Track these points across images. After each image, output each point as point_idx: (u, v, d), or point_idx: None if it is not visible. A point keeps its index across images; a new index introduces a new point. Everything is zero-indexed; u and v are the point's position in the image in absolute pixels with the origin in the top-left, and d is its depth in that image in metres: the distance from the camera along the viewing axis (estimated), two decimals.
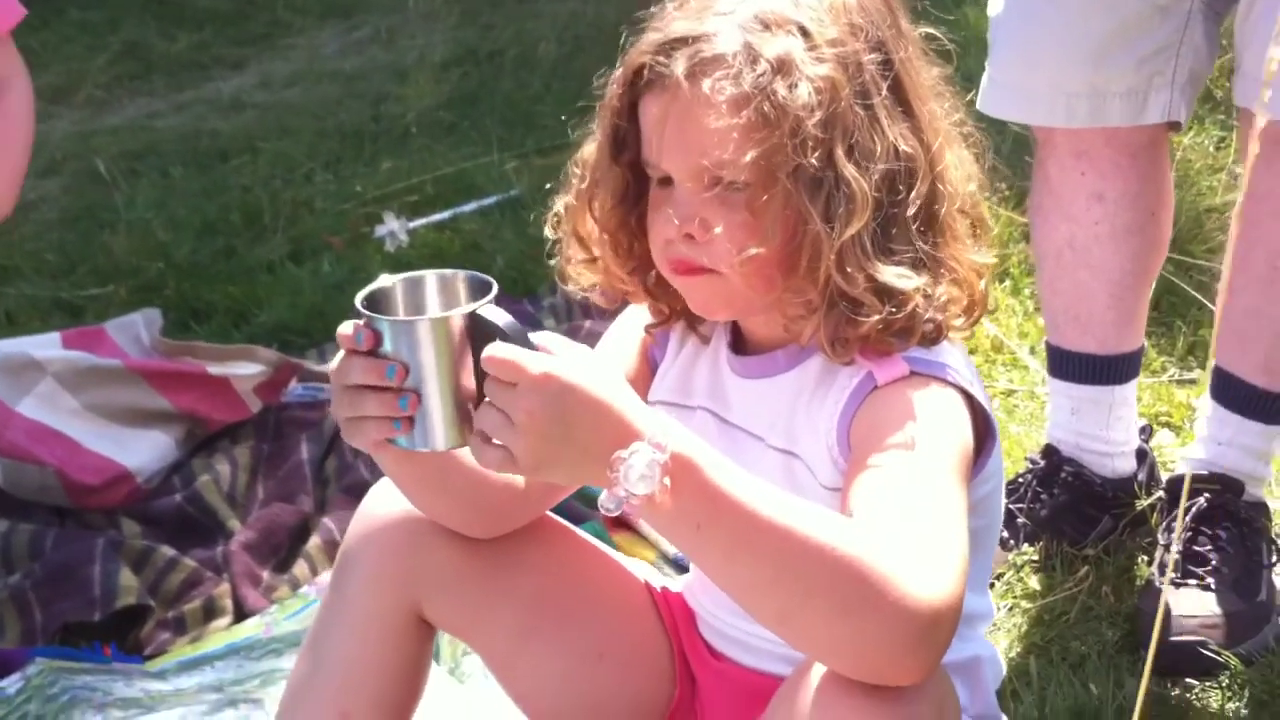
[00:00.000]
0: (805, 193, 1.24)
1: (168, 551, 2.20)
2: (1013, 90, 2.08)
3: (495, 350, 1.11)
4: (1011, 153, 2.63)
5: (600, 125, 1.37)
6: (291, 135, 4.63)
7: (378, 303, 1.18)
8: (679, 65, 1.26)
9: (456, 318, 1.13)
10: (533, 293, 3.26)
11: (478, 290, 1.20)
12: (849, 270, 1.25)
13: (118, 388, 2.47)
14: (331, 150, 4.42)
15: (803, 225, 1.25)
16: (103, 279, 3.48)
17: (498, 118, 4.60)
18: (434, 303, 1.23)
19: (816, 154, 1.24)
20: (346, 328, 1.19)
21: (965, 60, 3.92)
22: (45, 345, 2.56)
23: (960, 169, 1.36)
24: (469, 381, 1.13)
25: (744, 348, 1.44)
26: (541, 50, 5.19)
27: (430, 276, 1.23)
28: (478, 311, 1.12)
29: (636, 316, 1.52)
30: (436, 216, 3.68)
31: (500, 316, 1.12)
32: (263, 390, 2.59)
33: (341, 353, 1.20)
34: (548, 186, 3.36)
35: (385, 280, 1.21)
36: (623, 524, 2.14)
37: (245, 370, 2.56)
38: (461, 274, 1.23)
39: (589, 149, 1.41)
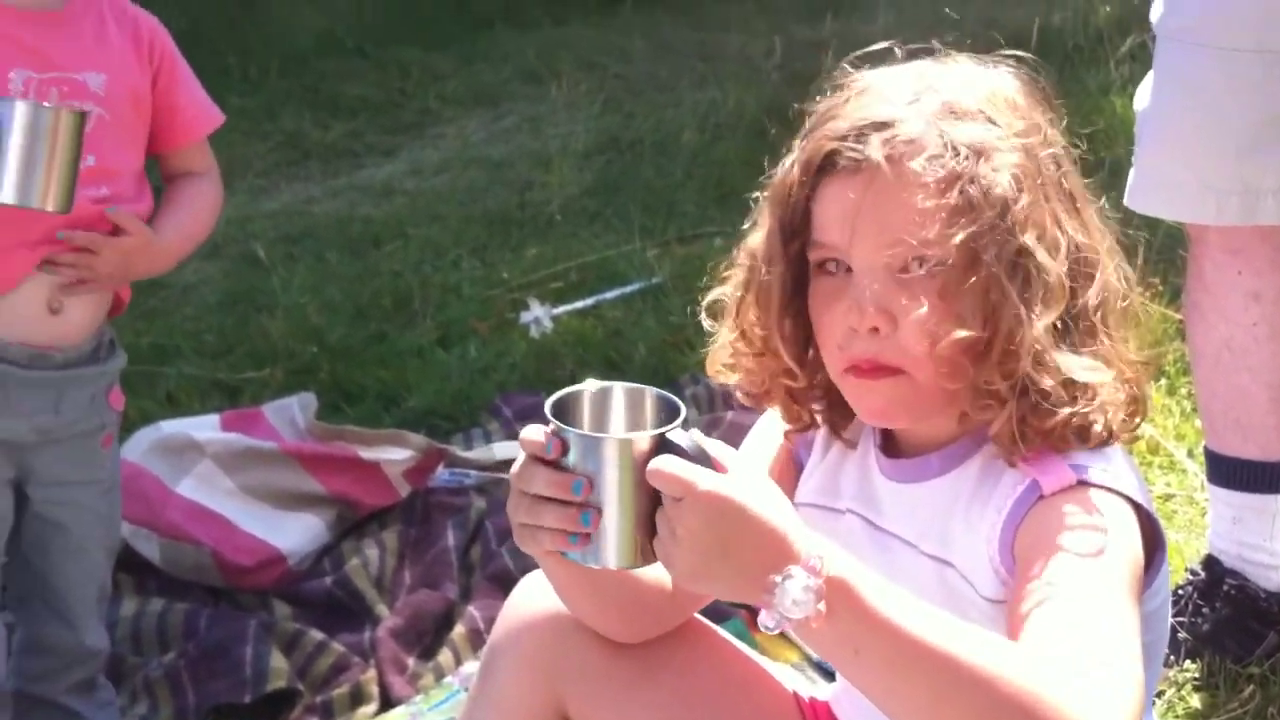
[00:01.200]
0: (1007, 277, 1.23)
1: (317, 635, 2.24)
2: (1161, 186, 2.03)
3: (664, 464, 1.11)
4: (1164, 246, 2.57)
5: (770, 212, 1.37)
6: (440, 221, 4.76)
7: (565, 408, 1.20)
8: (875, 149, 1.26)
9: (644, 439, 1.14)
10: (673, 380, 3.27)
11: (665, 409, 1.21)
12: (1044, 361, 1.23)
13: (273, 470, 2.55)
14: (478, 236, 4.53)
15: (1001, 312, 1.24)
16: (259, 361, 3.59)
17: (639, 205, 4.67)
18: (620, 416, 1.24)
19: (1018, 239, 1.24)
20: (534, 434, 1.17)
21: (1112, 148, 3.88)
22: (205, 427, 2.65)
23: (1117, 264, 1.35)
24: (646, 500, 1.14)
25: (895, 449, 1.42)
26: (683, 139, 5.27)
27: (618, 389, 1.25)
28: (667, 436, 1.14)
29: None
30: (580, 303, 3.74)
31: (688, 442, 1.13)
32: (411, 475, 2.65)
33: (524, 456, 1.19)
34: (689, 274, 3.39)
35: (574, 387, 1.23)
36: None
37: (395, 455, 2.62)
38: (650, 391, 1.25)
39: (755, 238, 1.40)
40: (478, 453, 2.83)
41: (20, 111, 1.61)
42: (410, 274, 4.17)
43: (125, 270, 1.86)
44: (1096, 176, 1.43)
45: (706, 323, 1.47)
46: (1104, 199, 1.41)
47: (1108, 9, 5.88)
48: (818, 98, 1.41)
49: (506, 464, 2.81)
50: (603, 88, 6.37)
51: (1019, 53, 1.40)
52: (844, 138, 1.29)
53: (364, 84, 6.68)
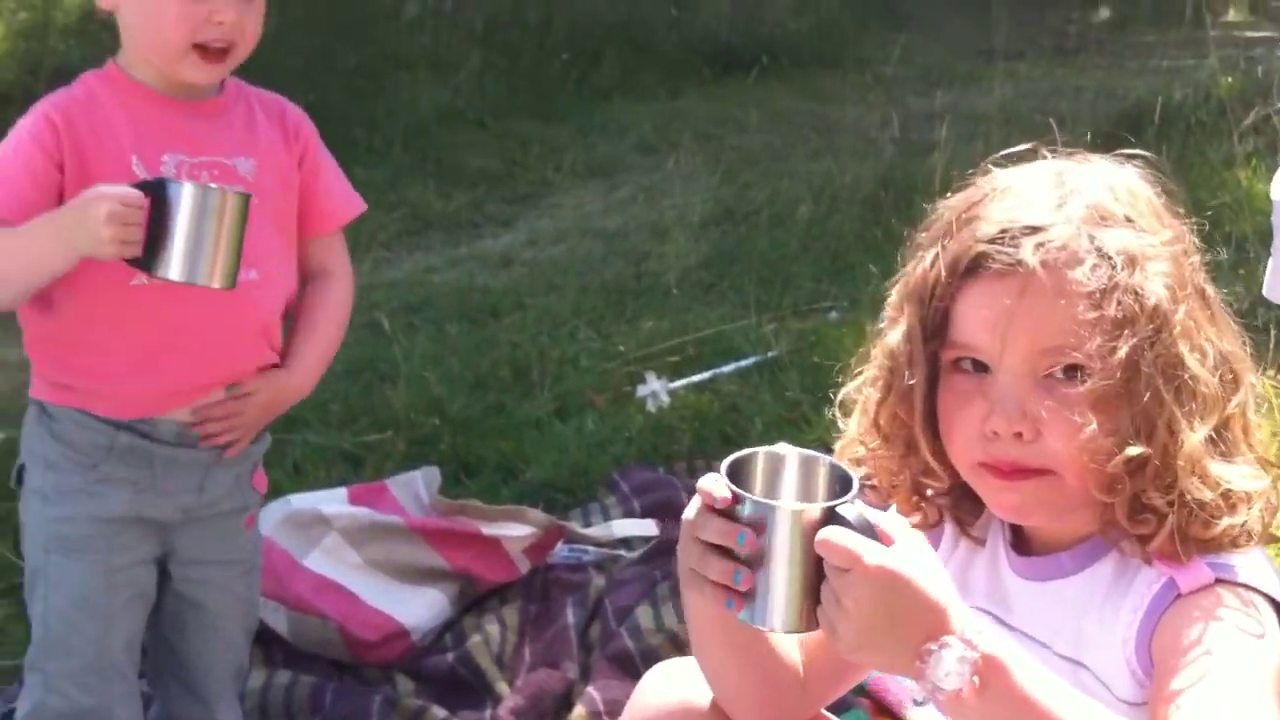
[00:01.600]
0: (1166, 390, 1.23)
1: (439, 712, 2.27)
2: None
3: (833, 536, 1.13)
4: None
5: (910, 311, 1.35)
6: (557, 292, 4.82)
7: (739, 470, 1.23)
8: (1028, 254, 1.25)
9: (815, 510, 1.17)
10: None
11: (837, 480, 1.23)
12: (1202, 472, 1.22)
13: (398, 544, 2.59)
14: (595, 307, 4.57)
15: (1159, 425, 1.23)
16: (382, 430, 3.65)
17: (754, 277, 4.68)
18: (792, 483, 1.27)
19: (1174, 351, 1.23)
20: (712, 483, 1.20)
21: (1237, 222, 3.81)
22: (333, 501, 2.70)
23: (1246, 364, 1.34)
24: (813, 568, 1.16)
25: (1024, 546, 1.41)
26: (798, 211, 5.28)
27: (793, 455, 1.27)
28: (837, 510, 1.16)
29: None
30: (696, 377, 3.75)
31: (855, 515, 1.15)
32: (531, 551, 2.67)
33: (698, 503, 1.21)
34: (805, 348, 3.37)
35: (749, 450, 1.26)
36: (885, 713, 2.10)
37: (516, 531, 2.65)
38: (824, 460, 1.27)
39: (893, 336, 1.40)
40: (597, 530, 2.85)
41: (189, 193, 1.68)
42: (528, 345, 4.22)
43: (268, 416, 1.93)
44: (1222, 251, 1.42)
45: (840, 423, 1.47)
46: (1223, 277, 1.39)
47: (1229, 81, 5.79)
48: (949, 194, 1.41)
49: (625, 541, 2.83)
50: (718, 159, 6.43)
51: (1144, 152, 1.39)
52: (993, 240, 1.28)
53: (484, 155, 6.83)
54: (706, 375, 3.77)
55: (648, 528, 2.84)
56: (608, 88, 7.76)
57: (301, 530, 2.55)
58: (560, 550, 2.77)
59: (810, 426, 3.50)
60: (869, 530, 1.14)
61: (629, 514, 2.98)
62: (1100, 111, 6.24)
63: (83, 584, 1.83)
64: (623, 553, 2.81)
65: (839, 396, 1.49)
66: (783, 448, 1.28)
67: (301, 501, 2.64)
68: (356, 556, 2.56)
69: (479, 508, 2.75)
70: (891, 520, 1.17)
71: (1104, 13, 9.75)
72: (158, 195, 1.67)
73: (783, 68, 8.07)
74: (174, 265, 1.68)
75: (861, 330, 3.99)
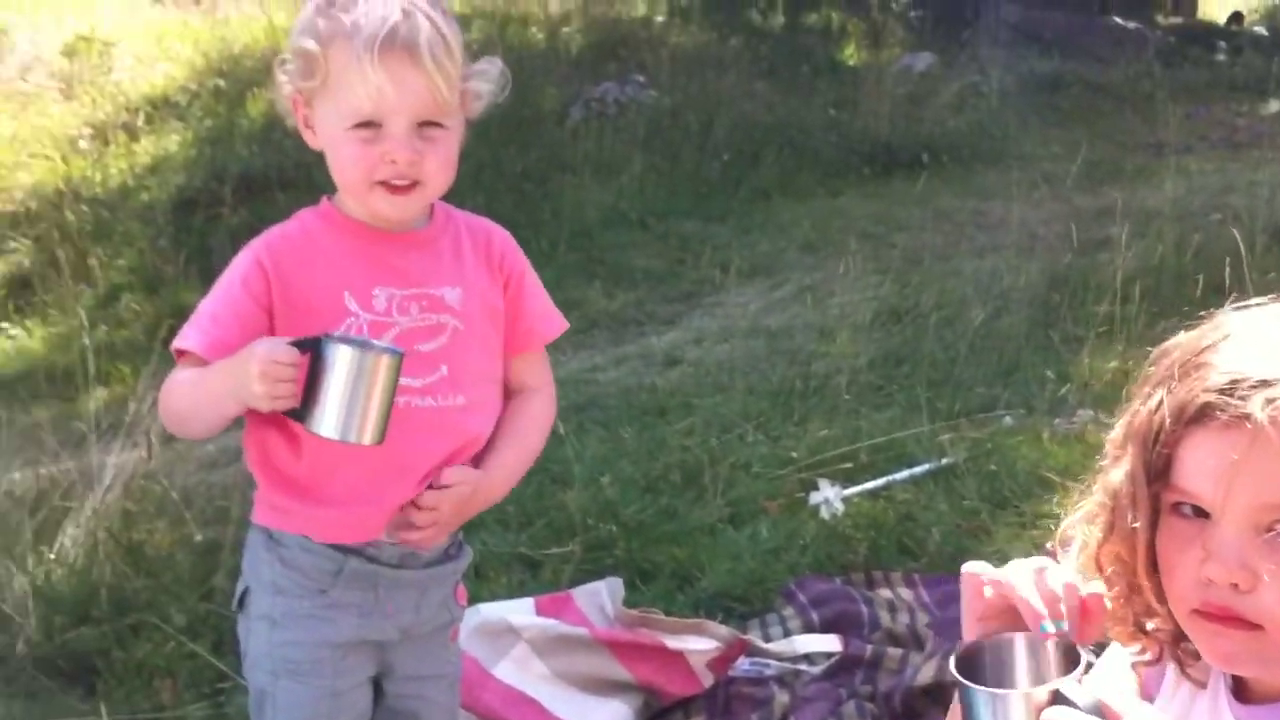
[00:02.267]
0: None
1: None
2: None
3: (1058, 717, 1.14)
4: None
5: (1134, 453, 1.34)
6: (724, 393, 4.84)
7: (968, 661, 1.26)
8: (1258, 409, 1.24)
9: (1041, 692, 1.19)
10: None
11: (1065, 653, 1.25)
12: None
13: (584, 656, 2.62)
14: (762, 410, 4.57)
15: None
16: (558, 534, 3.69)
17: (924, 380, 4.65)
18: (1022, 664, 1.29)
19: None
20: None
21: None
22: (521, 611, 2.75)
23: None
24: None
25: (1246, 693, 1.38)
26: (965, 311, 5.23)
27: (1019, 640, 1.30)
28: (1060, 690, 1.18)
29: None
30: (870, 484, 3.73)
31: (1083, 696, 1.17)
32: (715, 665, 2.68)
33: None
34: (981, 456, 3.32)
35: (975, 640, 1.29)
36: None
37: (699, 645, 2.66)
38: (1051, 635, 1.29)
39: (1115, 475, 1.40)
40: (780, 645, 2.85)
41: (343, 354, 1.71)
42: (698, 448, 4.24)
43: (461, 516, 1.95)
44: None
45: (1067, 560, 1.46)
46: None
47: None
48: (1180, 335, 1.40)
49: (807, 656, 2.82)
50: (878, 257, 6.42)
51: None
52: (1222, 391, 1.28)
53: (647, 255, 6.94)
54: (880, 482, 3.74)
55: (831, 643, 2.83)
56: (767, 187, 7.84)
57: (491, 640, 2.60)
58: (742, 664, 2.77)
59: (990, 538, 3.46)
60: (1097, 710, 1.15)
61: (807, 626, 2.97)
62: (1276, 207, 6.09)
63: (310, 708, 1.87)
64: (804, 667, 2.79)
65: (1058, 530, 1.48)
66: (1008, 634, 1.30)
67: (491, 611, 2.70)
68: (544, 667, 2.59)
69: (663, 620, 2.76)
70: (1121, 696, 1.16)
71: (1273, 105, 9.52)
72: (316, 352, 1.72)
73: (943, 166, 8.06)
74: (326, 422, 1.72)
75: (1038, 437, 3.97)
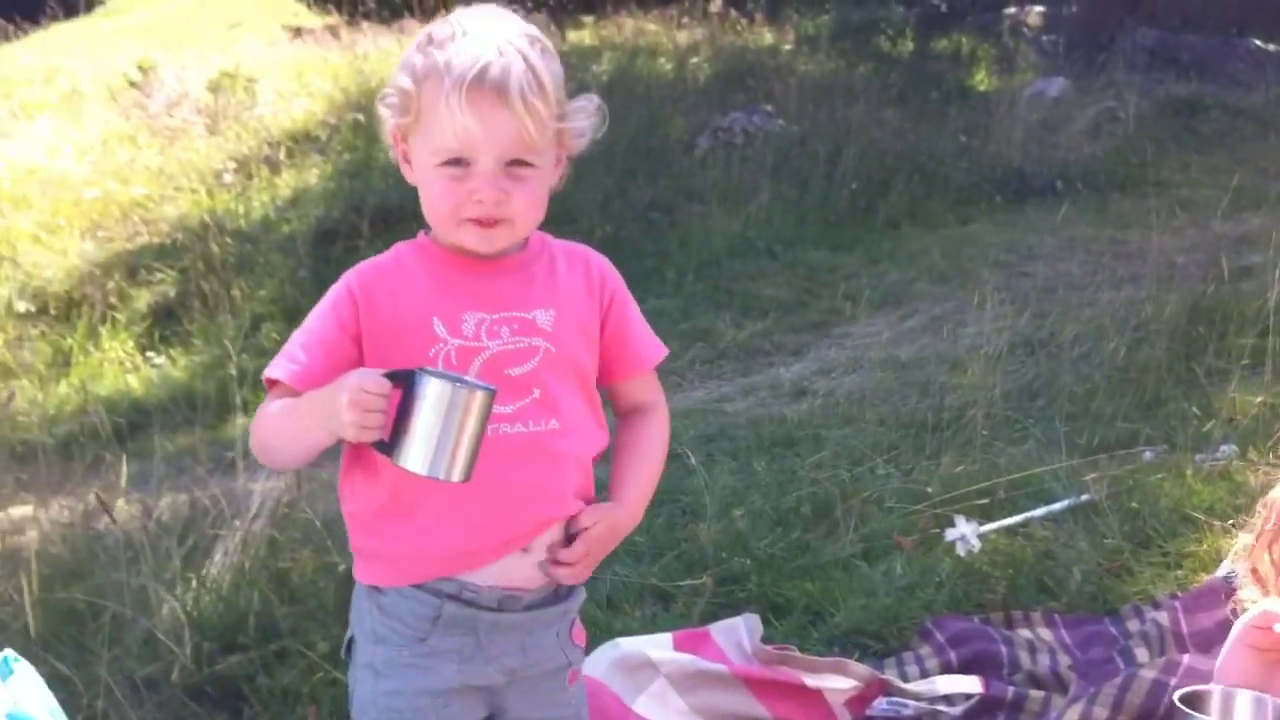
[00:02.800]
0: None
1: None
2: None
3: None
4: None
5: None
6: (854, 425, 4.79)
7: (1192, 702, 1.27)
8: None
9: None
10: (1114, 613, 3.15)
11: None
12: None
13: (721, 692, 2.62)
14: (894, 442, 4.52)
15: None
16: (689, 566, 3.69)
17: (1061, 413, 4.56)
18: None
19: None
20: None
21: None
22: (659, 646, 2.77)
23: None
24: None
25: None
26: (1102, 342, 5.12)
27: (1246, 695, 1.31)
28: None
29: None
30: (1007, 521, 3.66)
31: None
32: (853, 704, 2.67)
33: None
34: (1122, 492, 3.23)
35: (1200, 687, 1.31)
36: None
37: (838, 684, 2.65)
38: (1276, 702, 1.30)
39: (1276, 492, 1.39)
40: (920, 685, 2.81)
41: (434, 388, 1.69)
42: (829, 481, 4.20)
43: (605, 550, 1.94)
44: None
45: (1232, 566, 1.45)
46: None
47: None
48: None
49: (946, 697, 2.78)
50: (1011, 287, 6.32)
51: None
52: None
53: (774, 285, 6.93)
54: (1018, 519, 3.67)
55: (972, 685, 2.79)
56: (897, 216, 7.78)
57: (630, 674, 2.61)
58: (880, 704, 2.74)
59: (1133, 578, 3.37)
60: None
61: (945, 665, 2.93)
62: None
63: None
64: (943, 708, 2.76)
65: (1250, 564, 1.46)
66: (1230, 689, 1.32)
67: (630, 645, 2.71)
68: (682, 702, 2.60)
69: (801, 657, 2.75)
70: None
71: None
72: (408, 385, 1.71)
73: (1078, 193, 7.91)
74: (414, 457, 1.70)
75: (1181, 474, 3.87)
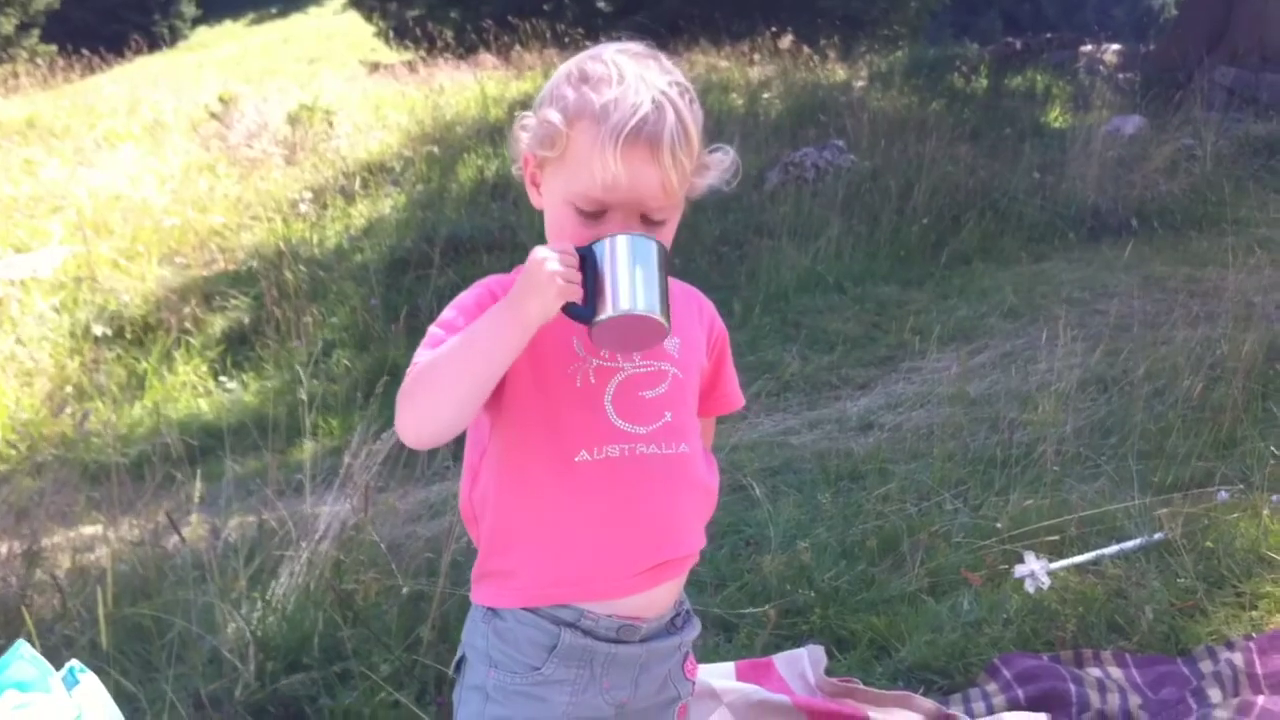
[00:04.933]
0: None
1: None
2: None
3: None
4: None
5: None
6: (921, 459, 4.75)
7: None
8: None
9: None
10: (1186, 653, 3.08)
11: None
12: None
13: None
14: (961, 477, 4.46)
15: None
16: (753, 597, 3.66)
17: (1134, 451, 4.48)
18: None
19: None
20: None
21: None
22: (721, 675, 2.74)
23: None
24: None
25: None
26: (1178, 380, 5.03)
27: None
28: None
29: None
30: (1078, 559, 3.59)
31: None
32: None
33: None
34: (1196, 532, 3.17)
35: None
36: None
37: (903, 717, 2.60)
38: None
39: None
40: None
41: (623, 240, 1.70)
42: (895, 515, 4.16)
43: None
44: None
45: None
46: None
47: None
48: None
49: None
50: (1084, 324, 6.24)
51: None
52: None
53: (842, 319, 6.89)
54: (1089, 556, 3.60)
55: None
56: (968, 252, 7.71)
57: (693, 703, 2.58)
58: None
59: (1207, 618, 3.30)
60: None
61: (1012, 703, 2.88)
62: None
63: None
64: None
65: None
66: None
67: None
68: None
69: (866, 690, 2.71)
70: None
71: None
72: (588, 260, 1.72)
73: (1154, 231, 7.81)
74: (612, 301, 1.69)
75: (1257, 514, 3.78)
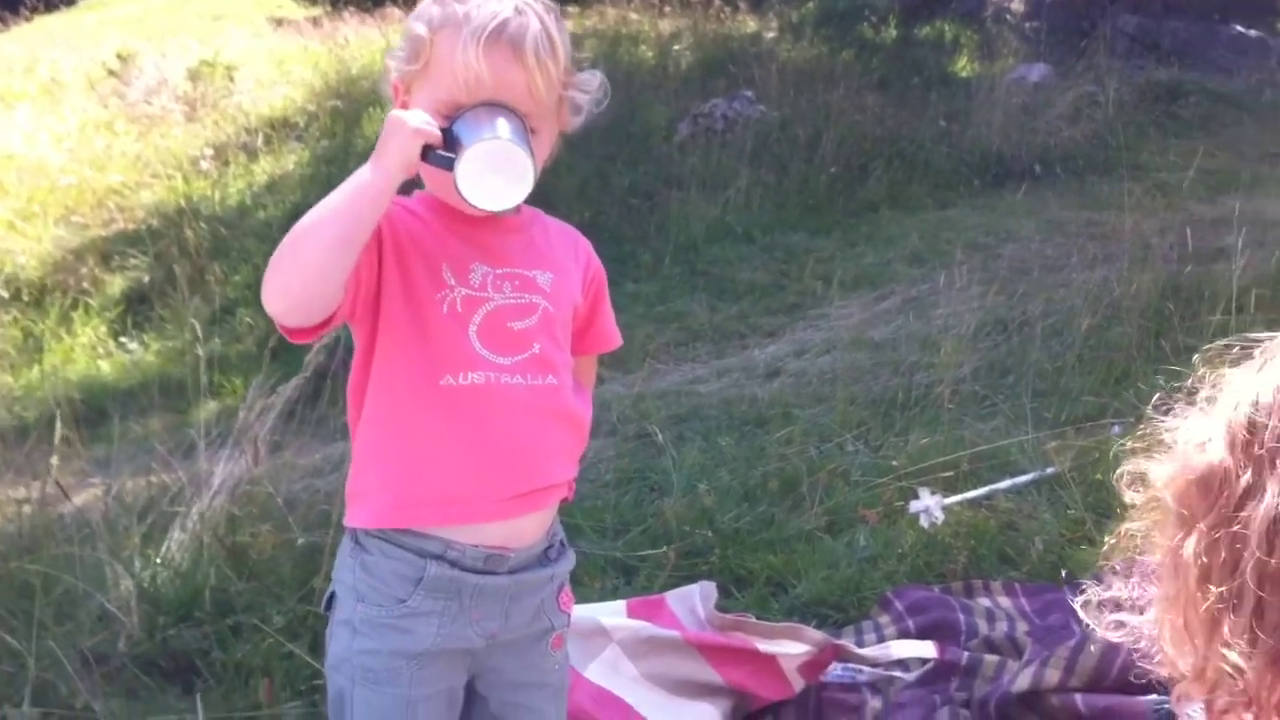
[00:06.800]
0: None
1: None
2: None
3: None
4: None
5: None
6: (825, 403, 4.78)
7: None
8: None
9: None
10: (1075, 582, 3.13)
11: None
12: None
13: (674, 658, 2.60)
14: (864, 420, 4.51)
15: None
16: (654, 541, 3.68)
17: (1029, 390, 4.55)
18: None
19: None
20: None
21: None
22: (612, 613, 2.74)
23: None
24: None
25: None
26: (1074, 321, 5.12)
27: None
28: None
29: None
30: (972, 494, 3.64)
31: None
32: (806, 669, 2.64)
33: None
34: (1086, 465, 3.20)
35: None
36: None
37: (792, 649, 2.62)
38: None
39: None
40: (874, 650, 2.79)
41: (485, 106, 1.75)
42: (797, 457, 4.20)
43: None
44: None
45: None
46: None
47: None
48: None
49: (901, 662, 2.76)
50: (987, 268, 6.31)
51: None
52: None
53: (751, 269, 6.91)
54: (983, 492, 3.66)
55: (926, 649, 2.77)
56: (875, 200, 7.76)
57: (582, 641, 2.58)
58: (835, 669, 2.72)
59: (1093, 545, 3.36)
60: None
61: (903, 633, 2.91)
62: None
63: (384, 716, 1.83)
64: (898, 674, 2.74)
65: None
66: None
67: (582, 613, 2.68)
68: (634, 669, 2.57)
69: (755, 624, 2.73)
70: None
71: None
72: (450, 129, 1.74)
73: (1057, 177, 7.90)
74: (475, 134, 1.70)
75: (1148, 445, 3.85)
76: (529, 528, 1.89)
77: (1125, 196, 6.61)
